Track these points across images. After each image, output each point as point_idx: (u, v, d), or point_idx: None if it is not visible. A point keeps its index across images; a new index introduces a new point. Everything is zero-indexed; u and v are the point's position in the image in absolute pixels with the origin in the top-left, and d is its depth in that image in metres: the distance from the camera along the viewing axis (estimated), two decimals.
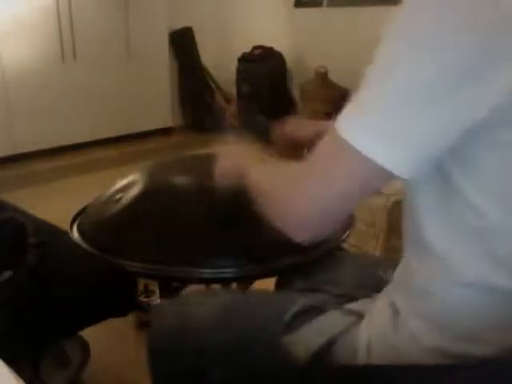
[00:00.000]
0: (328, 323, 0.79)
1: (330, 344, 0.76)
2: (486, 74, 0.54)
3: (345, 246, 1.26)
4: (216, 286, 1.45)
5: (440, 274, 0.67)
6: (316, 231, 0.67)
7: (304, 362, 0.76)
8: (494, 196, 0.62)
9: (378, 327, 0.75)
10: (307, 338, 0.78)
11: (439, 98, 0.56)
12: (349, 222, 1.24)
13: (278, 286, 1.11)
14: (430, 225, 0.67)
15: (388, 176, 0.59)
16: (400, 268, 0.77)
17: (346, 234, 1.20)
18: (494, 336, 0.66)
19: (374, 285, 0.85)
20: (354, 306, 0.82)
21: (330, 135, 0.63)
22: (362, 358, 0.74)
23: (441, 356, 0.68)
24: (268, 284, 1.14)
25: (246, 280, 1.32)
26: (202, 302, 0.92)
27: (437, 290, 0.68)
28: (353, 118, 0.62)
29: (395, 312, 0.73)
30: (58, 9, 3.64)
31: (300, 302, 0.82)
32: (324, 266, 1.03)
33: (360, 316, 0.78)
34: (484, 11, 0.54)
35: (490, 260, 0.64)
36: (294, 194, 0.65)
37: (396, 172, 0.59)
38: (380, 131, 0.59)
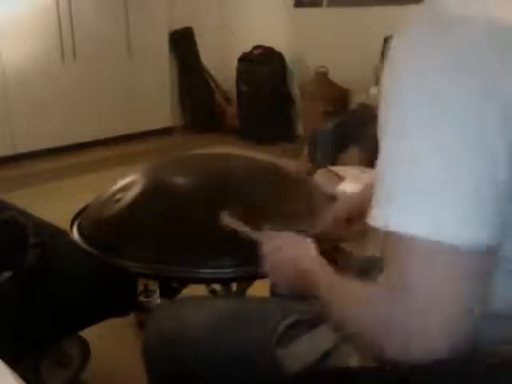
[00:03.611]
0: (321, 337, 0.77)
1: (323, 358, 0.75)
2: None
3: (345, 245, 1.25)
4: (216, 286, 1.45)
5: None
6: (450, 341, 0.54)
7: (298, 375, 0.75)
8: None
9: None
10: (301, 352, 0.77)
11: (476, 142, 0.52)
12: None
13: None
14: None
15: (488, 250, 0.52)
16: None
17: None
18: None
19: None
20: None
21: (392, 241, 0.54)
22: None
23: None
24: (267, 283, 1.13)
25: (245, 280, 1.32)
26: (198, 309, 0.91)
27: None
28: (407, 207, 0.53)
29: None
30: (57, 9, 3.65)
31: (294, 314, 0.81)
32: None
33: None
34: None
35: None
36: (396, 337, 0.55)
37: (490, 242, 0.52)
38: (450, 210, 0.52)
